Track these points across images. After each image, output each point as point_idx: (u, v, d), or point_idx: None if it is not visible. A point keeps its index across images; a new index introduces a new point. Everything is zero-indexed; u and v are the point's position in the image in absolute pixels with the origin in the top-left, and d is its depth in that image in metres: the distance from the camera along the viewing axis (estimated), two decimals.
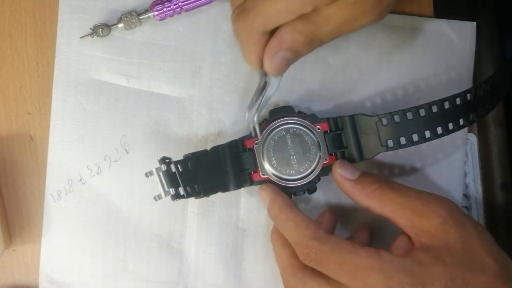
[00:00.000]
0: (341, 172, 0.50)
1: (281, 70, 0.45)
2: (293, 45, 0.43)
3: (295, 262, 0.48)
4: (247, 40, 0.44)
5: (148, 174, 0.50)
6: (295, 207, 0.50)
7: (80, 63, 0.56)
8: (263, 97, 0.48)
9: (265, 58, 0.44)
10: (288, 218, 0.48)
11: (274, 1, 0.41)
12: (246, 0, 0.43)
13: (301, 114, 0.53)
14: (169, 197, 0.50)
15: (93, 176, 0.56)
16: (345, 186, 0.50)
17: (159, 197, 0.50)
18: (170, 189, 0.50)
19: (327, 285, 0.45)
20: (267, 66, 0.45)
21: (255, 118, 0.49)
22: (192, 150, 0.55)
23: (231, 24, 0.45)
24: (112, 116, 0.56)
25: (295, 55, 0.44)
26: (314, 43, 0.44)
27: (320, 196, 0.56)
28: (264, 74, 0.47)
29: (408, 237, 0.47)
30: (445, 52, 0.57)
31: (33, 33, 0.55)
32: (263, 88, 0.48)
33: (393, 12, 0.57)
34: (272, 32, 0.44)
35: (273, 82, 0.47)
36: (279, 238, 0.51)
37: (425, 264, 0.44)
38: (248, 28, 0.43)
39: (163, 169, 0.50)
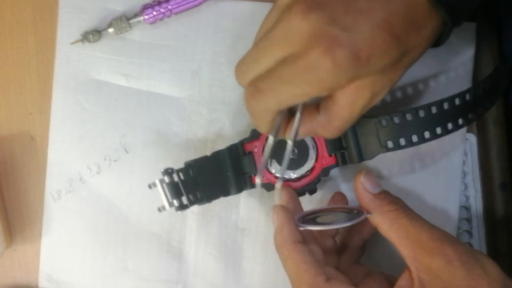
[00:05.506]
0: (364, 183, 0.48)
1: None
2: (315, 132, 0.45)
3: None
4: (261, 119, 0.44)
5: (152, 186, 0.50)
6: (299, 244, 0.46)
7: (80, 63, 0.56)
8: (288, 158, 0.48)
9: (291, 134, 0.46)
10: (289, 256, 0.46)
11: (291, 86, 0.40)
12: (258, 79, 0.42)
13: None
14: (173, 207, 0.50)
15: (93, 175, 0.56)
16: (363, 197, 0.48)
17: (163, 208, 0.50)
18: (174, 201, 0.50)
19: None
20: (291, 139, 0.46)
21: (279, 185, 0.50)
22: (191, 150, 0.56)
23: (244, 102, 0.44)
24: (112, 116, 0.56)
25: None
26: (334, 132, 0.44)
27: (320, 196, 0.56)
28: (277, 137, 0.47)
29: (410, 272, 0.45)
30: (445, 53, 0.57)
31: (33, 33, 0.56)
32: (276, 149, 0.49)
33: None
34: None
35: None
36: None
37: None
38: (263, 108, 0.43)
39: (167, 181, 0.50)
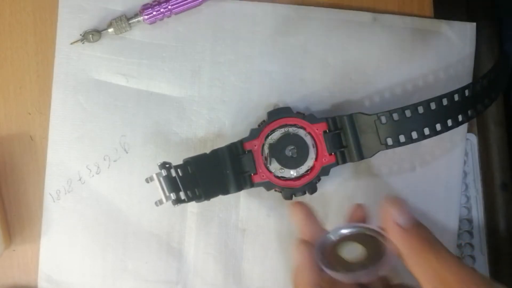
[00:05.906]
0: (394, 215, 0.44)
1: None
2: None
3: None
4: None
5: (149, 180, 0.50)
6: None
7: (79, 63, 0.56)
8: None
9: None
10: None
11: None
12: None
13: (299, 114, 0.53)
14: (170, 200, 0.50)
15: (93, 176, 0.56)
16: (392, 228, 0.44)
17: (160, 202, 0.50)
18: (171, 194, 0.50)
19: None
20: None
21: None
22: (191, 150, 0.56)
23: None
24: (112, 116, 0.56)
25: None
26: None
27: (321, 196, 0.56)
28: None
29: None
30: (445, 53, 0.57)
31: (33, 33, 0.56)
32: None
33: (393, 12, 0.57)
34: None
35: None
36: None
37: None
38: None
39: (164, 174, 0.50)
